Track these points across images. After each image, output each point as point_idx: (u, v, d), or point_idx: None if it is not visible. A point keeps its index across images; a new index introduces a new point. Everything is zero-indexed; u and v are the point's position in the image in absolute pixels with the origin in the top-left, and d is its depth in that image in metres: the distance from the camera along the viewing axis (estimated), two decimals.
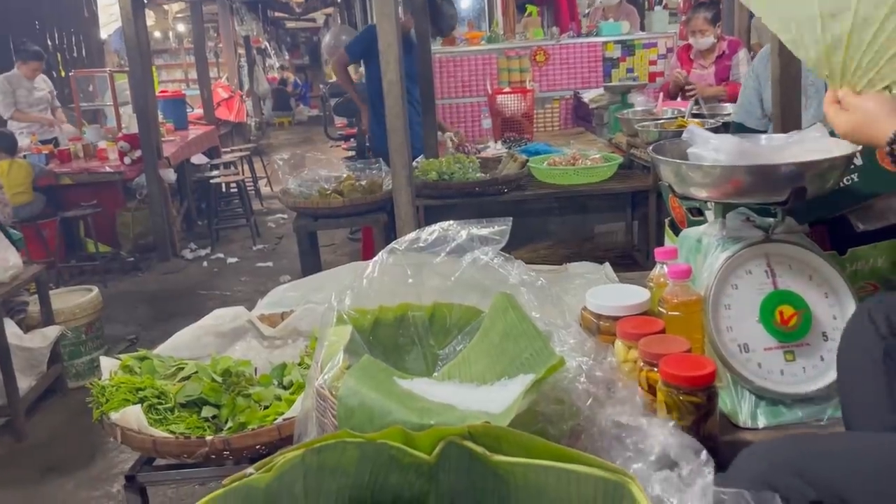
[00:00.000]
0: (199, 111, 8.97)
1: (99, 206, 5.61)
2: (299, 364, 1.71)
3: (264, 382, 1.66)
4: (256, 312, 1.96)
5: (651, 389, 1.15)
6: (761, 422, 1.28)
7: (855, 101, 1.15)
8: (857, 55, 1.15)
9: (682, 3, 7.11)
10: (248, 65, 14.64)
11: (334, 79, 10.64)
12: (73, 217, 5.54)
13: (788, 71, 1.86)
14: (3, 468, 3.10)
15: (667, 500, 0.89)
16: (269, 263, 5.92)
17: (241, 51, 14.63)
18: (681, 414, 1.09)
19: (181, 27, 14.93)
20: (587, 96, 5.37)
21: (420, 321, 1.28)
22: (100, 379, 1.61)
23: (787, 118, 1.88)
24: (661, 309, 1.28)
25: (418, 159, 3.68)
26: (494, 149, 4.33)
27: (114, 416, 1.46)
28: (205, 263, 6.03)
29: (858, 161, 1.47)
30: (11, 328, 3.38)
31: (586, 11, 7.54)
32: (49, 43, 8.82)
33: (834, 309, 1.32)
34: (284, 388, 1.65)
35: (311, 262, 3.65)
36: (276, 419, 1.47)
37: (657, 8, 6.90)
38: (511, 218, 1.23)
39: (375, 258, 1.22)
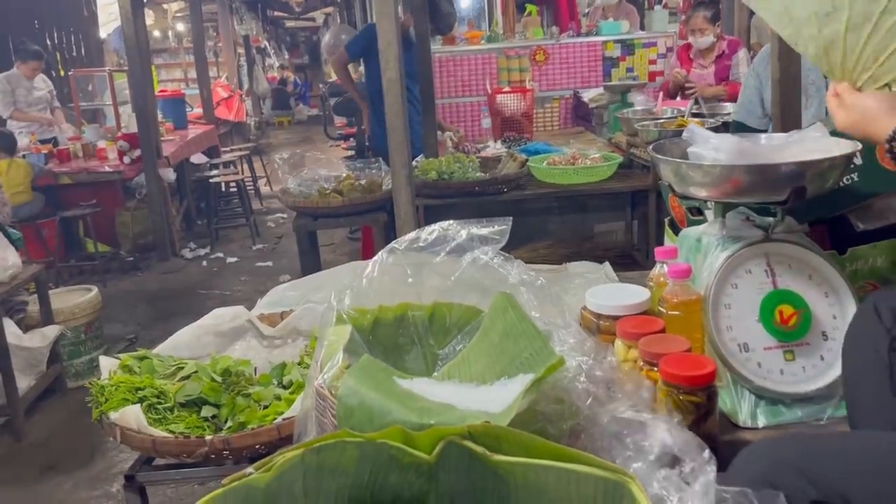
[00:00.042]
0: (198, 110, 8.97)
1: (98, 205, 5.60)
2: (299, 363, 1.71)
3: (264, 382, 1.66)
4: (256, 312, 1.96)
5: None
6: (761, 421, 1.28)
7: (854, 98, 1.16)
8: (854, 53, 1.15)
9: (682, 2, 7.12)
10: (248, 64, 14.64)
11: (334, 78, 10.65)
12: (72, 217, 5.54)
13: (788, 71, 1.86)
14: (3, 468, 3.10)
15: (667, 499, 0.89)
16: (269, 263, 5.92)
17: (241, 50, 14.63)
18: (681, 413, 1.09)
19: (180, 26, 14.92)
20: (587, 96, 5.37)
21: (420, 321, 1.28)
22: (99, 378, 1.60)
23: (787, 117, 1.88)
24: (660, 308, 1.28)
25: (418, 159, 3.68)
26: (494, 148, 4.33)
27: (113, 415, 1.46)
28: (204, 263, 6.03)
29: (858, 160, 1.47)
30: (11, 328, 3.38)
31: (586, 11, 7.54)
32: (48, 42, 8.82)
33: (834, 308, 1.32)
34: (284, 387, 1.65)
35: (310, 262, 3.64)
36: (275, 419, 1.47)
37: (657, 7, 6.90)
38: (511, 217, 1.23)
39: (375, 258, 1.22)
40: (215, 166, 7.46)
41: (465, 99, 5.70)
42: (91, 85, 8.98)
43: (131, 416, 1.44)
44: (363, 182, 3.67)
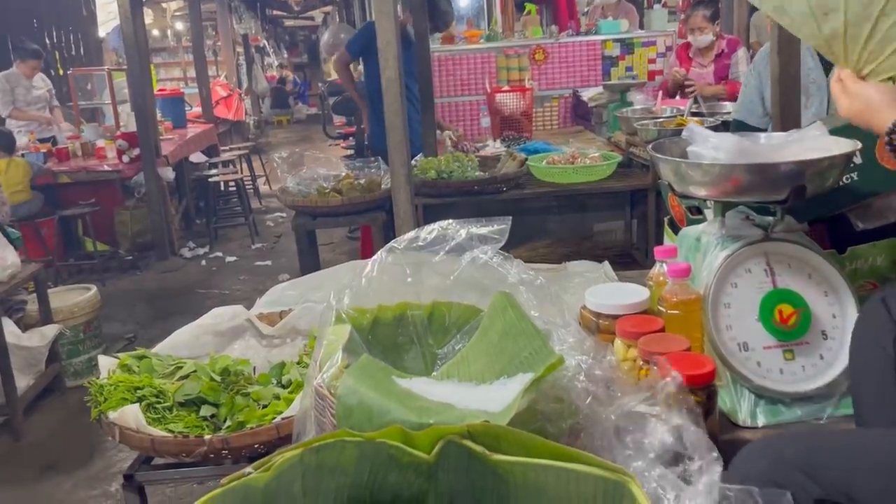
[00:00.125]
0: (197, 109, 8.96)
1: (97, 204, 5.60)
2: (298, 363, 1.71)
3: (263, 381, 1.66)
4: (255, 311, 1.96)
5: None
6: (760, 420, 1.28)
7: (857, 87, 1.16)
8: (856, 48, 1.15)
9: (681, 1, 7.12)
10: (247, 63, 14.62)
11: (333, 77, 10.66)
12: (71, 216, 5.53)
13: (788, 70, 1.86)
14: (2, 467, 3.10)
15: (664, 497, 0.89)
16: (268, 262, 5.91)
17: (240, 49, 14.62)
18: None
19: (179, 25, 14.91)
20: (586, 95, 5.36)
21: (419, 320, 1.28)
22: (98, 378, 1.60)
23: (787, 117, 1.88)
24: (660, 307, 1.28)
25: (417, 158, 3.68)
26: (493, 147, 4.33)
27: (112, 415, 1.46)
28: (203, 262, 6.02)
29: (858, 159, 1.47)
30: (10, 327, 3.37)
31: (585, 10, 7.54)
32: (47, 41, 8.82)
33: (833, 308, 1.32)
34: (283, 386, 1.64)
35: (309, 261, 3.64)
36: (274, 418, 1.47)
37: (656, 6, 6.89)
38: (510, 217, 1.23)
39: (374, 257, 1.22)
40: (214, 165, 7.45)
41: (464, 98, 5.70)
42: (90, 84, 8.99)
43: (130, 415, 1.44)
44: (362, 181, 3.67)
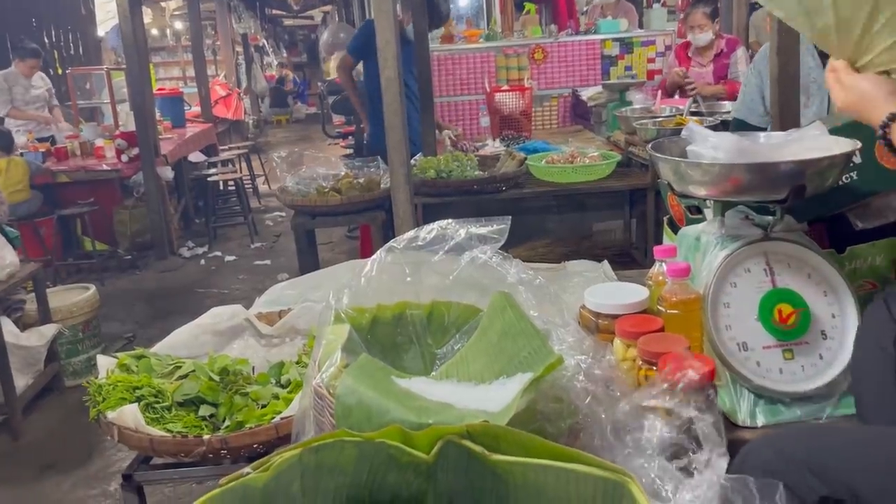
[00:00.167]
0: (196, 109, 8.95)
1: (96, 203, 5.59)
2: (297, 362, 1.71)
3: (262, 381, 1.66)
4: (254, 311, 1.96)
5: None
6: (760, 420, 1.28)
7: (852, 79, 1.15)
8: (850, 41, 1.14)
9: (681, 0, 7.11)
10: (246, 62, 14.61)
11: (332, 76, 10.64)
12: (70, 215, 5.53)
13: (787, 69, 1.86)
14: (0, 467, 3.09)
15: (661, 489, 0.89)
16: (267, 261, 5.91)
17: (239, 48, 14.60)
18: None
19: (178, 25, 14.89)
20: (585, 94, 5.36)
21: (418, 320, 1.28)
22: (97, 377, 1.60)
23: (786, 116, 1.88)
24: (659, 307, 1.28)
25: (416, 157, 3.68)
26: (493, 147, 4.33)
27: (111, 414, 1.46)
28: (202, 261, 6.02)
29: (857, 159, 1.47)
30: (8, 326, 3.37)
31: (584, 9, 7.54)
32: (46, 40, 8.81)
33: (833, 307, 1.32)
34: (282, 386, 1.64)
35: (308, 260, 3.64)
36: (273, 418, 1.47)
37: (655, 5, 6.90)
38: (510, 216, 1.23)
39: (374, 256, 1.22)
40: (213, 165, 7.45)
41: (463, 97, 5.69)
42: (89, 83, 8.98)
43: (129, 415, 1.43)
44: (361, 180, 3.67)
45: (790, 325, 1.30)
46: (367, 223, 3.74)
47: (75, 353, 3.84)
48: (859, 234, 1.50)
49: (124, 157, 5.80)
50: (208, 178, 6.89)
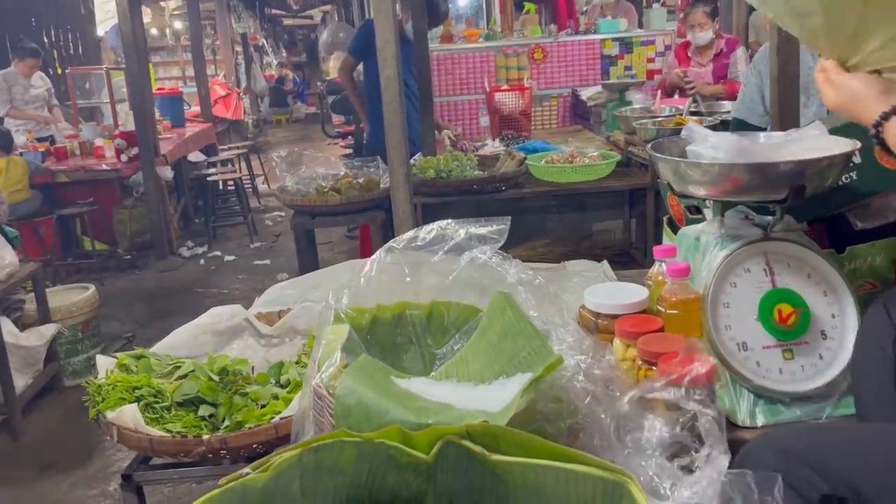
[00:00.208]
0: (196, 108, 8.96)
1: (95, 203, 5.59)
2: (296, 362, 1.71)
3: (261, 381, 1.66)
4: (254, 311, 1.95)
5: None
6: (760, 420, 1.28)
7: (842, 78, 1.14)
8: (839, 43, 1.14)
9: (680, 0, 7.11)
10: (246, 62, 14.61)
11: (332, 76, 10.64)
12: (69, 215, 5.53)
13: (787, 69, 1.86)
14: (0, 467, 3.09)
15: (660, 486, 0.89)
16: (267, 261, 5.91)
17: (239, 48, 14.60)
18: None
19: (178, 24, 14.88)
20: (585, 94, 5.36)
21: (418, 320, 1.28)
22: (96, 377, 1.60)
23: (786, 116, 1.88)
24: (659, 307, 1.28)
25: (416, 157, 3.68)
26: (492, 146, 4.33)
27: (110, 415, 1.46)
28: (202, 261, 6.02)
29: (857, 159, 1.46)
30: (8, 326, 3.37)
31: (584, 9, 7.54)
32: (45, 40, 8.80)
33: (832, 307, 1.32)
34: (282, 386, 1.64)
35: (308, 260, 3.64)
36: (273, 418, 1.47)
37: (655, 5, 6.90)
38: (509, 217, 1.23)
39: (373, 257, 1.22)
40: (213, 164, 7.45)
41: (463, 97, 5.69)
42: (88, 83, 8.97)
43: (128, 415, 1.43)
44: (361, 180, 3.67)
45: (790, 326, 1.30)
46: (367, 223, 3.73)
47: (75, 353, 3.84)
48: (859, 234, 1.49)
49: (124, 157, 5.80)
50: (208, 178, 6.89)
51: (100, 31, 10.33)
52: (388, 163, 2.29)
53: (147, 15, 12.31)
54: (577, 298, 1.40)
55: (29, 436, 3.31)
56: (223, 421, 1.54)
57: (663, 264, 1.35)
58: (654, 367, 1.13)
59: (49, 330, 3.51)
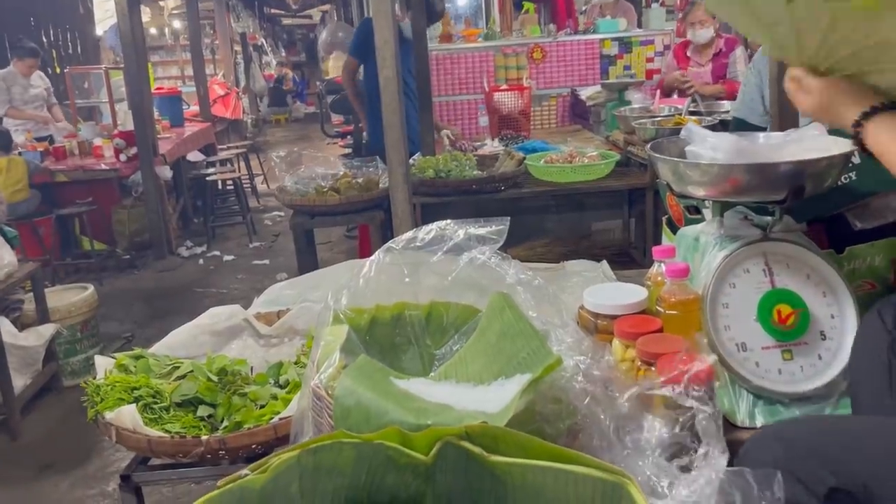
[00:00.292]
0: (195, 108, 8.95)
1: (94, 203, 5.59)
2: (295, 363, 1.70)
3: (260, 381, 1.66)
4: (253, 311, 1.95)
5: None
6: (759, 421, 1.28)
7: (817, 82, 1.11)
8: (807, 53, 1.12)
9: (679, 0, 7.11)
10: (245, 62, 14.60)
11: (331, 75, 10.64)
12: (68, 214, 5.52)
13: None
14: None
15: (657, 485, 0.89)
16: (266, 261, 5.91)
17: (238, 48, 14.59)
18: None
19: (177, 24, 14.86)
20: (584, 93, 5.36)
21: (417, 320, 1.28)
22: (95, 377, 1.60)
23: (785, 116, 1.88)
24: (658, 308, 1.28)
25: (415, 157, 3.68)
26: (491, 146, 4.32)
27: (108, 415, 1.46)
28: (201, 261, 6.01)
29: (856, 159, 1.46)
30: (6, 326, 3.37)
31: (583, 8, 7.54)
32: (44, 40, 8.80)
33: (832, 308, 1.32)
34: (280, 387, 1.64)
35: (307, 260, 3.64)
36: (272, 418, 1.46)
37: (654, 5, 6.89)
38: (509, 217, 1.22)
39: (372, 257, 1.22)
40: (212, 164, 7.44)
41: (462, 97, 5.69)
42: (87, 82, 8.95)
43: (127, 416, 1.43)
44: (360, 180, 3.66)
45: (789, 326, 1.30)
46: (366, 223, 3.73)
47: (74, 353, 3.83)
48: (858, 235, 1.49)
49: (123, 157, 5.79)
50: (207, 178, 6.89)
51: (99, 31, 10.32)
52: (388, 162, 2.29)
53: (146, 14, 12.30)
54: (576, 299, 1.40)
55: (28, 436, 3.30)
56: (222, 421, 1.53)
57: (662, 265, 1.34)
58: (654, 368, 1.13)
59: (48, 330, 3.51)
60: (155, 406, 1.53)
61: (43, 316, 3.59)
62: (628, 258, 3.56)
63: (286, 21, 18.94)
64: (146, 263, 5.89)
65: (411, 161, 3.37)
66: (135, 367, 1.66)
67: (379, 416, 0.92)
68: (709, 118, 3.39)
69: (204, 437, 1.42)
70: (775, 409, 1.29)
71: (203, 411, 1.55)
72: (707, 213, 1.51)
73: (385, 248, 1.21)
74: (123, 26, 5.71)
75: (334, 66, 10.99)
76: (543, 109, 5.71)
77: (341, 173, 3.76)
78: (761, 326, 1.30)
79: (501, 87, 4.94)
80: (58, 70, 8.90)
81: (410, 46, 4.26)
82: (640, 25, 6.09)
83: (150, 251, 6.00)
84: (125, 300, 5.07)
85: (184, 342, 1.80)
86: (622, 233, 3.79)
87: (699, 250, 1.40)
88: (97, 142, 5.99)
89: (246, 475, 0.82)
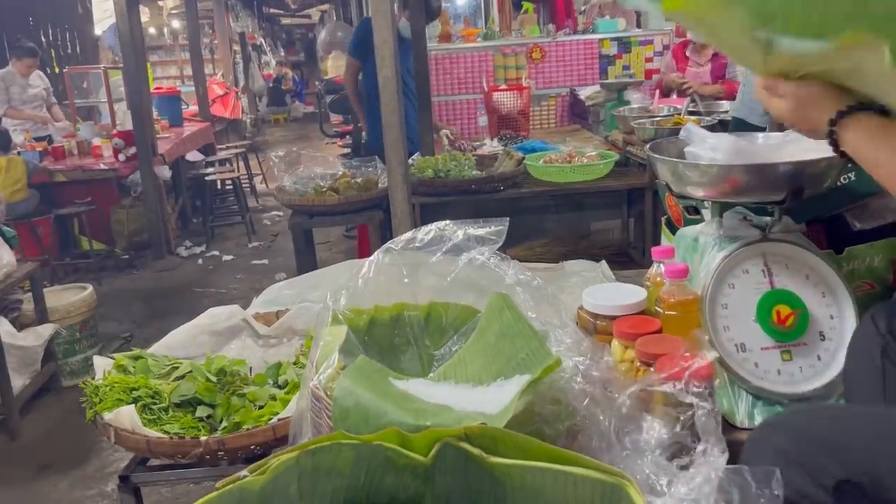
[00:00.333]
0: (194, 108, 8.94)
1: (93, 203, 5.58)
2: (294, 363, 1.70)
3: (259, 382, 1.66)
4: (251, 311, 1.95)
5: None
6: (758, 422, 1.28)
7: (792, 86, 1.07)
8: (777, 65, 1.08)
9: None
10: (244, 61, 14.59)
11: (330, 75, 10.63)
12: (67, 214, 5.52)
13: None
14: None
15: (656, 483, 0.89)
16: (265, 261, 5.90)
17: (237, 47, 14.58)
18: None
19: (176, 23, 14.85)
20: (583, 93, 5.36)
21: (416, 321, 1.27)
22: (94, 378, 1.60)
23: None
24: (657, 308, 1.27)
25: (414, 156, 3.68)
26: (490, 146, 4.33)
27: (107, 416, 1.45)
28: (200, 261, 6.01)
29: None
30: (5, 326, 3.36)
31: (582, 8, 7.54)
32: (43, 39, 8.79)
33: (831, 308, 1.32)
34: (279, 387, 1.64)
35: (306, 260, 3.64)
36: (270, 419, 1.46)
37: None
38: (508, 218, 1.22)
39: (371, 257, 1.22)
40: (211, 164, 7.44)
41: (461, 97, 5.69)
42: (86, 82, 8.95)
43: (125, 416, 1.43)
44: (359, 180, 3.66)
45: (788, 327, 1.30)
46: (365, 223, 3.73)
47: (72, 353, 3.83)
48: (857, 235, 1.50)
49: (121, 157, 5.79)
50: (206, 178, 6.88)
51: (97, 31, 10.32)
52: (387, 162, 2.29)
53: (145, 14, 12.29)
54: (575, 299, 1.40)
55: (26, 436, 3.30)
56: (221, 422, 1.53)
57: (662, 265, 1.34)
58: (653, 368, 1.13)
59: (47, 330, 3.51)
60: (154, 406, 1.53)
61: (42, 316, 3.59)
62: (627, 258, 3.57)
63: (285, 21, 18.94)
64: (145, 263, 5.88)
65: (410, 161, 3.36)
66: (133, 367, 1.66)
67: (378, 417, 0.92)
68: (708, 118, 3.39)
69: (203, 438, 1.41)
70: (774, 410, 1.28)
71: (202, 412, 1.55)
72: (706, 213, 1.51)
73: (384, 249, 1.21)
74: (122, 26, 5.70)
75: (333, 66, 10.99)
76: (542, 109, 5.71)
77: (340, 173, 3.76)
78: (760, 327, 1.30)
79: (500, 87, 4.94)
80: (56, 70, 8.90)
81: (409, 46, 4.26)
82: (639, 25, 6.09)
83: (148, 251, 6.00)
84: (124, 300, 5.06)
85: (183, 342, 1.80)
86: (621, 233, 3.79)
87: (698, 251, 1.40)
88: (96, 142, 5.99)
89: (245, 476, 0.81)
